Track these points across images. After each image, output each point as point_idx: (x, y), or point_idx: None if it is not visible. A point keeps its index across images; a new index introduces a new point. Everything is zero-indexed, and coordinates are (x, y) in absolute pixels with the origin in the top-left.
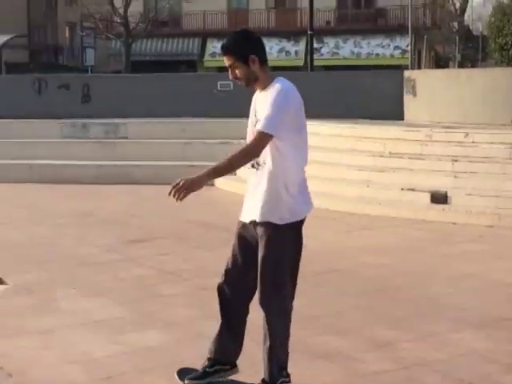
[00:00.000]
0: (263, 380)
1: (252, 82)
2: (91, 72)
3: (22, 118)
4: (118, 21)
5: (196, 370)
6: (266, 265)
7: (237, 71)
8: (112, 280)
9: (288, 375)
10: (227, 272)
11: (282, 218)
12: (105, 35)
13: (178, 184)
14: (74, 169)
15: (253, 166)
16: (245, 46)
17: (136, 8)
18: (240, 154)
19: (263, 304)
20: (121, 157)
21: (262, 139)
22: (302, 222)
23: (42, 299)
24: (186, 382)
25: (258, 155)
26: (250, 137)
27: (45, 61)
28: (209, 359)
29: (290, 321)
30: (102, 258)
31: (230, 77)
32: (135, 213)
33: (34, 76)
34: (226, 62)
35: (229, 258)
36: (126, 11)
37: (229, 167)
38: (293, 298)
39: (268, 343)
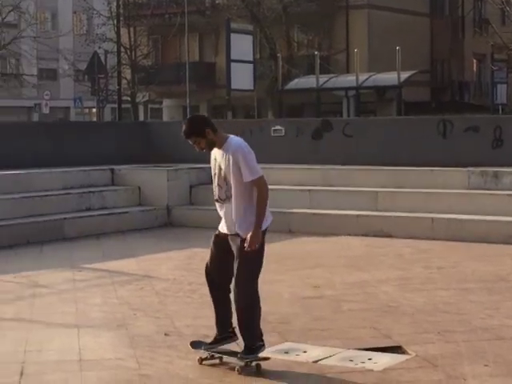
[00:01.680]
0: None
1: (212, 147)
2: (502, 111)
3: (424, 165)
4: None
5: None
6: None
7: (200, 144)
8: None
9: (262, 341)
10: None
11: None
12: None
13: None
14: (481, 225)
15: (217, 201)
16: (199, 126)
17: None
18: (262, 202)
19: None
20: None
21: (263, 180)
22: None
23: (448, 375)
24: (203, 348)
25: (267, 191)
26: (217, 184)
27: (448, 99)
28: (217, 334)
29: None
30: None
31: (197, 150)
32: None
33: (438, 117)
34: (190, 141)
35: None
36: None
37: (262, 215)
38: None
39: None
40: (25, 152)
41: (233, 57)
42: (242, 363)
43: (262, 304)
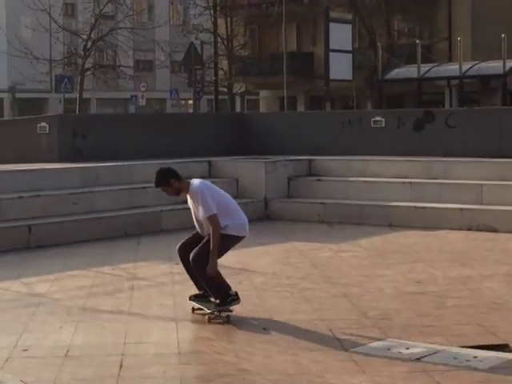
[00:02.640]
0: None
1: (179, 193)
2: None
3: None
4: None
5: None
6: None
7: (168, 191)
8: None
9: (236, 295)
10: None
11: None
12: None
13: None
14: None
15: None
16: (165, 177)
17: None
18: (215, 237)
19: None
20: None
21: (214, 219)
22: (237, 237)
23: None
24: (192, 298)
25: (219, 228)
26: (197, 221)
27: None
28: (203, 292)
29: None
30: None
31: (167, 194)
32: None
33: None
34: (159, 188)
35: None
36: None
37: (215, 247)
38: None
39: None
40: (123, 144)
41: (331, 46)
42: (214, 313)
43: (361, 299)
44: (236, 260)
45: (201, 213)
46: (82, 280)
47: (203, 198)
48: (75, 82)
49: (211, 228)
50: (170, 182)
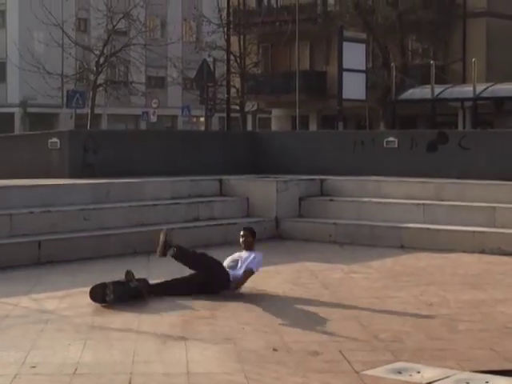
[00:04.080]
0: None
1: (250, 247)
2: None
3: None
4: None
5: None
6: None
7: (246, 242)
8: None
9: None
10: None
11: None
12: None
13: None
14: None
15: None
16: (254, 233)
17: None
18: (246, 279)
19: None
20: None
21: (250, 274)
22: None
23: None
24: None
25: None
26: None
27: None
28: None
29: None
30: None
31: (242, 241)
32: None
33: None
34: (245, 235)
35: None
36: None
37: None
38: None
39: None
40: (134, 160)
41: (345, 66)
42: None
43: (372, 321)
44: None
45: (248, 264)
46: None
47: (260, 260)
48: (87, 98)
49: (244, 276)
50: (254, 237)
